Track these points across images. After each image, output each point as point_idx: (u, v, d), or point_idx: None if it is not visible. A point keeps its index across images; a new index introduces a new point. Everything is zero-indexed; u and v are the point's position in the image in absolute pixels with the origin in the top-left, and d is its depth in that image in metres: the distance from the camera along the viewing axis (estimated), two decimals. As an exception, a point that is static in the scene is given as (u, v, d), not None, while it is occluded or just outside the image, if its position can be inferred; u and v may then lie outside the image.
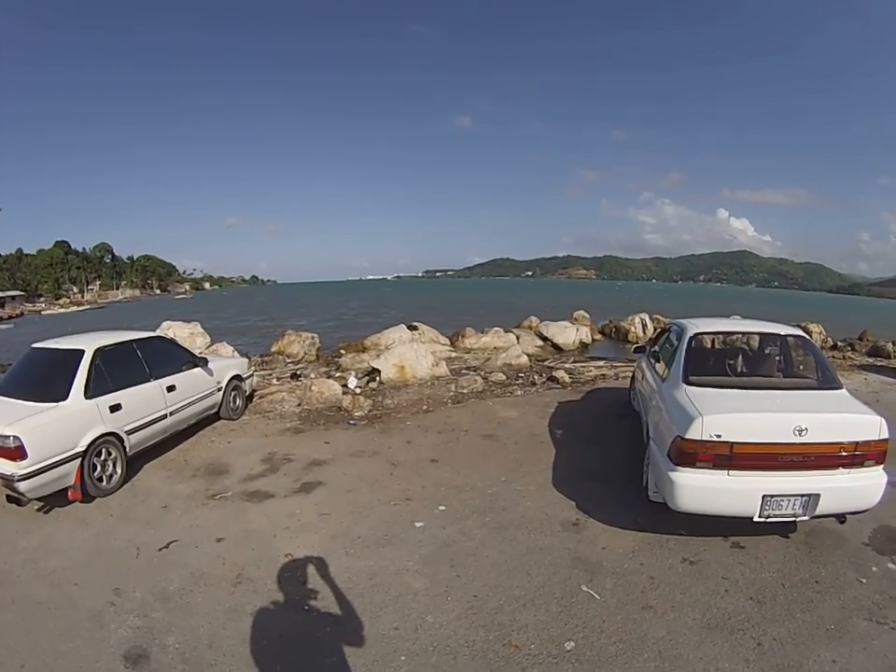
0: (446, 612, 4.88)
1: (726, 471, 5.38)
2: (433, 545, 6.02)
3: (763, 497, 5.33)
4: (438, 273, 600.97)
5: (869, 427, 5.40)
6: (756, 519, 5.41)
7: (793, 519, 5.55)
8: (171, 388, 9.20)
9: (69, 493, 7.42)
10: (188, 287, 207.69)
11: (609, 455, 8.29)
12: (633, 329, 25.47)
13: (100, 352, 8.28)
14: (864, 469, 5.39)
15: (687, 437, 5.38)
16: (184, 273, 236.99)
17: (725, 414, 5.50)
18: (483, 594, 5.11)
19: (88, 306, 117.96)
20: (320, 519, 6.85)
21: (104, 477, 7.85)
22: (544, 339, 22.50)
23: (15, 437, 6.89)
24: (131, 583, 5.75)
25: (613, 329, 26.88)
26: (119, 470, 8.06)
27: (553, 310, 34.03)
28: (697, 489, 5.43)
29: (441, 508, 6.91)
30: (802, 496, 5.35)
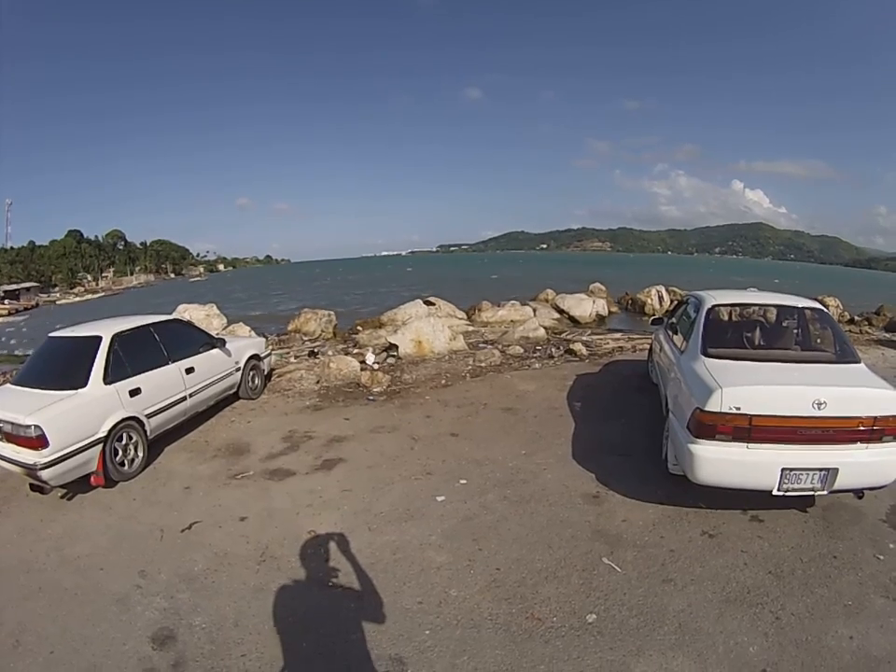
0: (469, 586, 4.92)
1: (745, 444, 5.35)
2: (455, 519, 6.06)
3: (782, 470, 5.32)
4: (452, 248, 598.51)
5: (888, 401, 5.36)
6: (775, 492, 5.39)
7: (812, 493, 5.52)
8: (189, 370, 9.25)
9: (92, 478, 7.48)
10: (202, 270, 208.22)
11: (628, 428, 8.28)
12: (649, 301, 25.43)
13: (117, 337, 8.32)
14: (883, 444, 5.35)
15: (706, 409, 5.36)
16: (198, 255, 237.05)
17: (744, 387, 5.47)
18: (506, 567, 5.14)
19: (102, 293, 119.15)
20: (342, 495, 6.89)
21: (125, 461, 7.93)
22: (561, 311, 22.43)
23: (36, 426, 6.95)
24: (156, 566, 5.81)
25: (630, 302, 26.84)
26: (140, 454, 8.13)
27: (568, 283, 33.96)
28: (717, 461, 5.41)
29: (462, 482, 6.94)
30: (820, 470, 5.33)
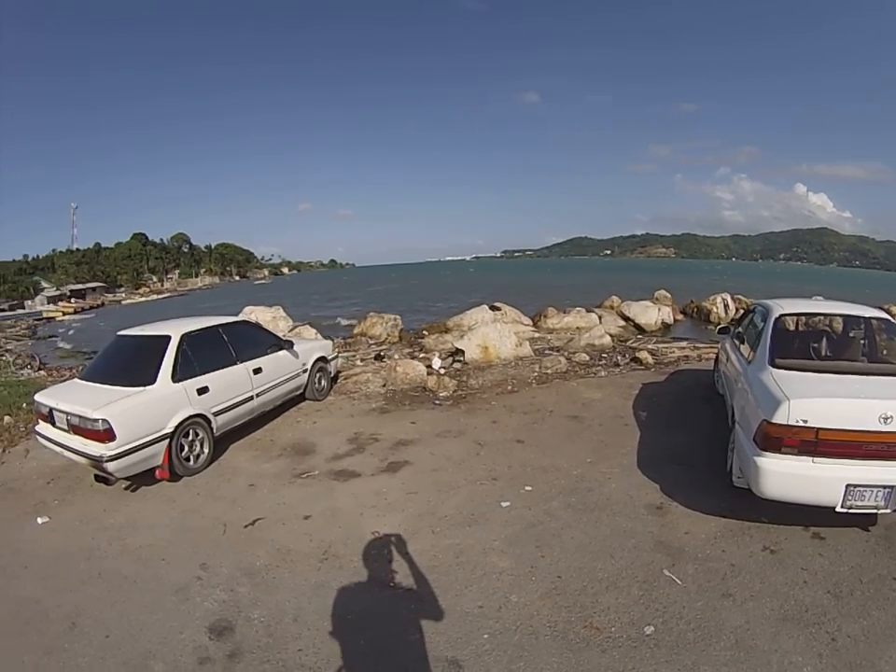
0: (530, 592, 4.90)
1: (811, 458, 5.21)
2: (519, 525, 6.04)
3: (847, 486, 5.16)
4: (516, 254, 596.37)
5: None
6: (838, 509, 5.23)
7: (875, 511, 5.33)
8: (257, 371, 9.44)
9: (157, 472, 7.70)
10: (266, 273, 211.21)
11: (693, 439, 8.16)
12: (715, 309, 25.02)
13: (186, 337, 8.54)
14: None
15: (773, 421, 5.26)
16: (262, 259, 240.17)
17: (812, 399, 5.36)
18: (567, 574, 5.11)
19: (168, 294, 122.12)
20: (407, 498, 6.94)
21: (191, 457, 8.13)
22: (626, 319, 22.27)
23: (104, 420, 7.16)
24: (217, 559, 5.93)
25: (695, 310, 26.45)
26: (206, 450, 8.33)
27: (633, 290, 33.87)
28: (782, 475, 5.29)
29: (528, 488, 6.90)
30: (885, 487, 5.14)
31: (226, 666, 4.43)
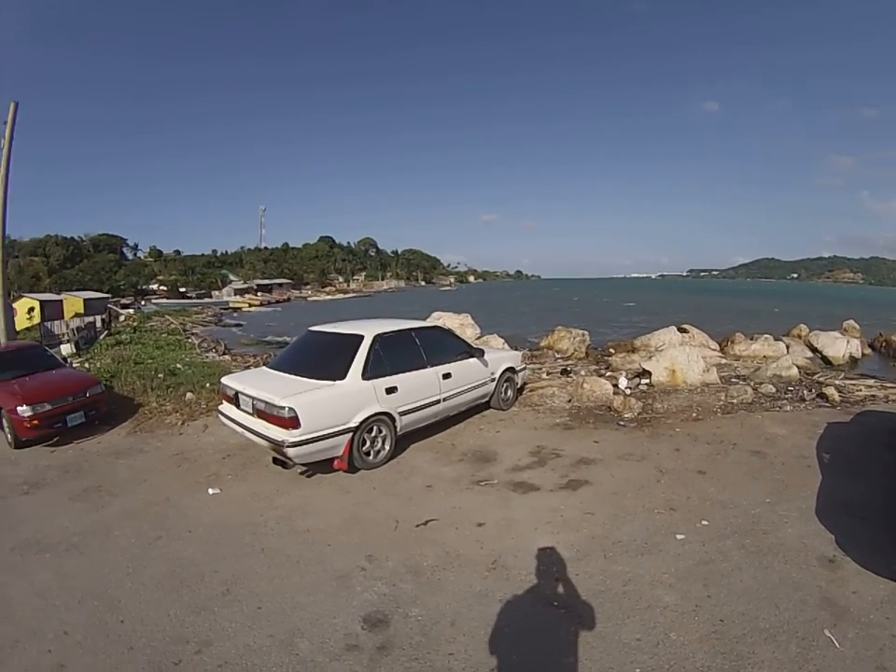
0: (690, 632, 4.80)
1: None
2: (690, 560, 5.93)
3: None
4: (702, 273, 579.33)
5: None
6: None
7: None
8: (446, 376, 9.68)
9: (335, 462, 8.04)
10: (452, 280, 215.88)
11: (873, 489, 7.68)
12: (905, 344, 23.49)
13: (378, 338, 8.87)
14: None
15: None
16: (448, 266, 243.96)
17: None
18: (730, 619, 4.97)
19: (353, 294, 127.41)
20: (583, 518, 6.92)
21: (371, 452, 8.46)
22: (813, 350, 21.22)
23: (290, 408, 7.55)
24: (384, 553, 6.13)
25: (884, 344, 24.77)
26: (387, 447, 8.64)
27: (817, 318, 33.12)
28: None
29: (704, 523, 6.76)
30: None
31: (373, 657, 4.58)
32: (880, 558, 5.93)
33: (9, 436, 11.05)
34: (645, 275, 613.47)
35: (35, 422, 10.86)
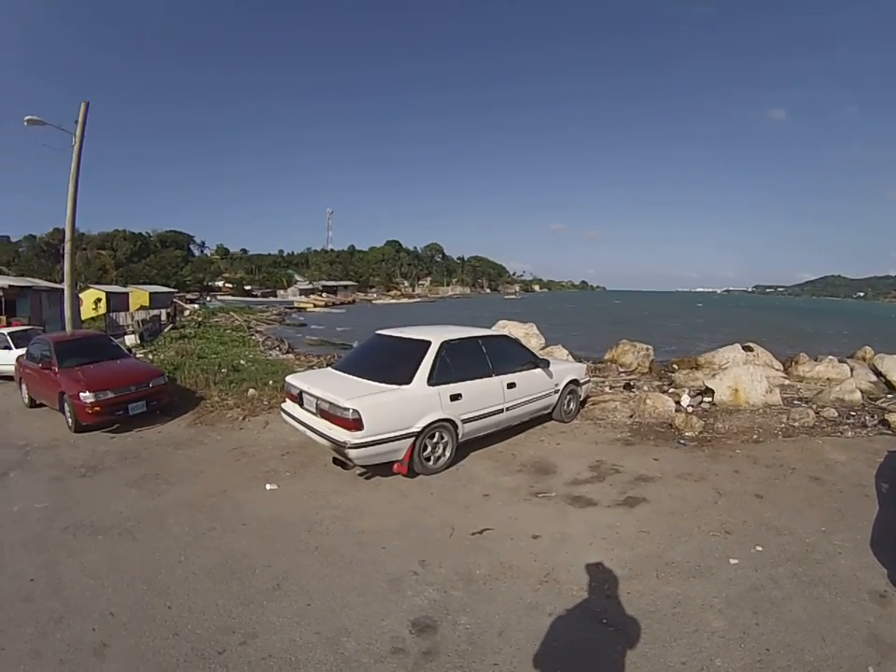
0: (735, 659, 4.78)
1: None
2: (742, 586, 5.88)
3: None
4: (768, 289, 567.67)
5: None
6: None
7: None
8: (511, 385, 9.69)
9: (395, 466, 8.14)
10: (517, 288, 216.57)
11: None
12: (976, 372, 22.86)
13: (446, 345, 8.95)
14: None
15: None
16: (513, 274, 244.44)
17: None
18: (776, 649, 4.93)
19: (418, 299, 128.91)
20: (638, 536, 6.90)
21: (432, 458, 8.54)
22: (878, 374, 20.77)
23: (354, 410, 7.63)
24: (437, 559, 6.19)
25: None
26: (447, 454, 8.70)
27: (879, 340, 32.58)
28: None
29: (759, 548, 6.69)
30: None
31: (418, 662, 4.64)
32: (931, 595, 5.84)
33: (70, 420, 11.55)
34: (710, 290, 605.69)
35: (97, 408, 11.28)
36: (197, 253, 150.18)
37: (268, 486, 8.20)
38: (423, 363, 8.63)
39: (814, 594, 5.81)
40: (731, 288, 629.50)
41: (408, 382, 8.42)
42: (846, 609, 5.57)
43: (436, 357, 8.77)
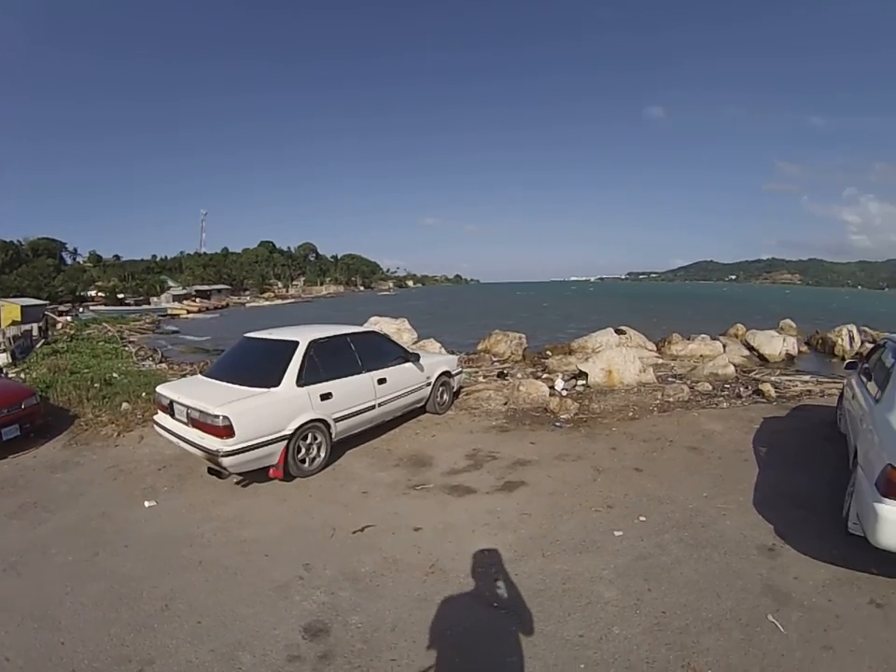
0: (633, 626, 4.82)
1: None
2: (629, 556, 5.97)
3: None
4: (641, 276, 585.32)
5: None
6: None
7: None
8: (381, 381, 9.63)
9: (270, 471, 7.96)
10: (391, 285, 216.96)
11: (812, 480, 7.85)
12: (840, 341, 23.78)
13: (314, 344, 8.79)
14: None
15: (901, 466, 5.02)
16: (387, 271, 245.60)
17: None
18: (672, 611, 5.01)
19: (292, 300, 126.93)
20: (520, 519, 6.94)
21: (307, 459, 8.36)
22: (750, 348, 21.57)
23: (224, 416, 7.41)
24: (322, 561, 6.07)
25: (819, 342, 25.23)
26: (322, 454, 8.53)
27: (756, 317, 34.49)
28: (903, 525, 5.01)
29: (642, 519, 6.83)
30: None
31: (315, 667, 4.52)
32: (822, 544, 6.06)
33: (-61, 450, 10.63)
34: (585, 278, 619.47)
35: (-32, 436, 10.49)
36: (70, 261, 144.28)
37: (146, 503, 7.85)
38: (291, 364, 8.46)
39: (703, 555, 5.94)
40: (604, 276, 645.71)
41: (277, 384, 8.24)
42: (737, 565, 5.72)
43: (304, 357, 8.61)
